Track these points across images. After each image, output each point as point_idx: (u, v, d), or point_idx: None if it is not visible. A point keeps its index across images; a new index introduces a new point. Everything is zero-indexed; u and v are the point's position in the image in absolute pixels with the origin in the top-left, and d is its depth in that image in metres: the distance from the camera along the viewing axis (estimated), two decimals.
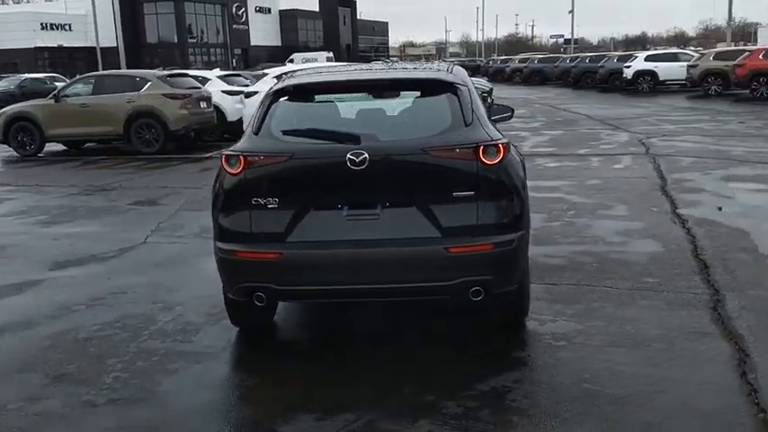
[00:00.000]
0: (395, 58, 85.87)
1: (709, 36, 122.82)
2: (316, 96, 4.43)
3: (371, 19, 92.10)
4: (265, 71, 17.00)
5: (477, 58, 78.63)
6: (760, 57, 22.43)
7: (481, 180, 3.96)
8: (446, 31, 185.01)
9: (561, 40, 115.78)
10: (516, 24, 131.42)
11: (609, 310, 4.79)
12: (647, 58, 29.31)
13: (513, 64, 43.67)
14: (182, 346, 4.54)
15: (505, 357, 4.19)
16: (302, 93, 4.40)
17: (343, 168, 3.91)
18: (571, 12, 53.76)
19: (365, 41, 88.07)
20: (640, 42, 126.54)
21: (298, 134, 4.19)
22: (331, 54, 58.35)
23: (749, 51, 23.56)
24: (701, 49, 37.72)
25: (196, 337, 4.69)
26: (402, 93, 4.41)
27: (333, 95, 4.44)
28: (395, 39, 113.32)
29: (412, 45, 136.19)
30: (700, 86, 25.48)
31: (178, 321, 4.99)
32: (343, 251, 3.94)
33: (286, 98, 4.33)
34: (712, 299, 4.91)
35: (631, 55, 31.62)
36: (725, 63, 24.69)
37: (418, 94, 4.34)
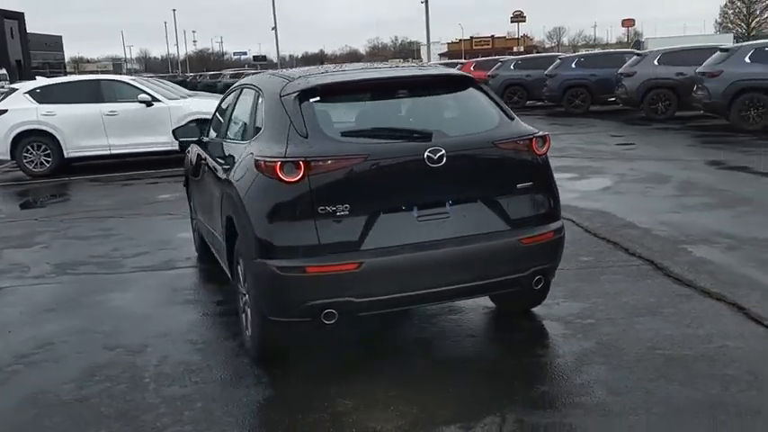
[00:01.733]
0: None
1: (377, 54, 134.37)
2: (349, 96, 4.16)
3: (44, 33, 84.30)
4: (14, 86, 14.79)
5: (180, 73, 76.55)
6: (471, 69, 25.22)
7: (535, 170, 4.09)
8: (125, 47, 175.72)
9: (245, 57, 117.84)
10: (195, 41, 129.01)
11: (588, 288, 5.18)
12: None
13: (224, 79, 43.04)
14: (216, 389, 3.93)
15: (556, 342, 4.33)
16: (334, 93, 4.10)
17: (421, 166, 3.76)
18: (274, 29, 54.68)
19: (38, 57, 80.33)
20: (319, 60, 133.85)
21: (360, 135, 3.91)
22: (4, 71, 52.37)
23: (461, 63, 26.36)
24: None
25: (217, 375, 4.10)
26: (433, 89, 4.34)
27: (367, 94, 4.20)
28: (68, 54, 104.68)
29: (86, 61, 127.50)
30: None
31: (172, 363, 4.30)
32: (426, 253, 3.78)
33: (317, 99, 4.00)
34: (655, 268, 5.56)
35: None
36: None
37: (448, 90, 4.31)
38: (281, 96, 4.12)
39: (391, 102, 4.21)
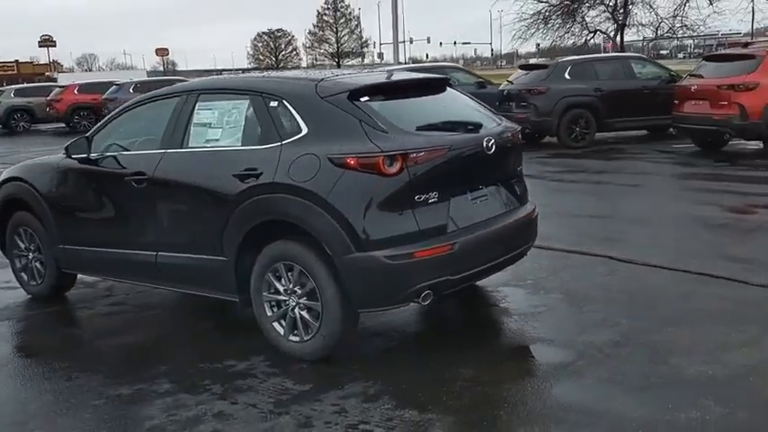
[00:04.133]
0: None
1: None
2: (387, 95, 4.38)
3: None
4: None
5: None
6: (75, 92, 23.63)
7: (521, 156, 4.94)
8: None
9: None
10: None
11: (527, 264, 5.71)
12: None
13: None
14: (316, 394, 3.87)
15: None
16: (377, 92, 4.31)
17: (481, 154, 4.33)
18: None
19: None
20: None
21: (430, 128, 4.24)
22: None
23: (63, 87, 24.40)
24: None
25: (301, 385, 4.00)
26: (438, 89, 4.81)
27: (402, 93, 4.49)
28: None
29: None
30: (6, 123, 24.90)
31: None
32: (492, 230, 4.34)
33: (367, 98, 4.23)
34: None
35: None
36: (28, 99, 24.91)
37: (445, 90, 4.84)
38: (323, 98, 4.20)
39: (422, 100, 4.57)
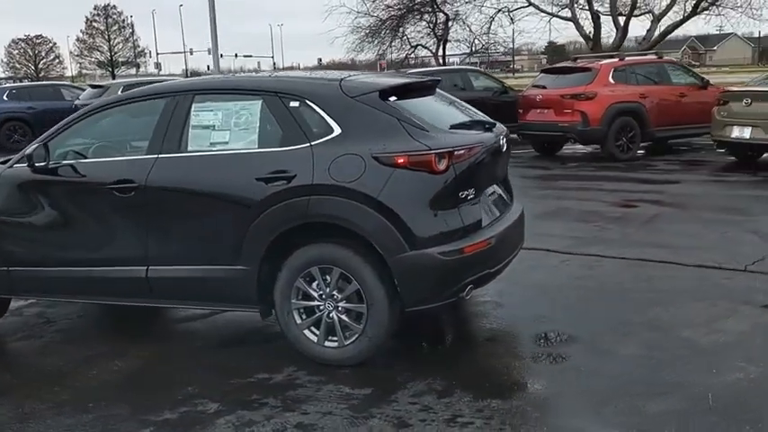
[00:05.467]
0: None
1: None
2: (407, 95, 4.37)
3: None
4: None
5: None
6: None
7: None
8: None
9: None
10: None
11: None
12: None
13: None
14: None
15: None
16: (401, 92, 4.32)
17: (497, 152, 4.53)
18: None
19: None
20: None
21: (459, 127, 4.32)
22: None
23: None
24: None
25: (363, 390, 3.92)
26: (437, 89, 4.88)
27: (417, 93, 4.50)
28: None
29: None
30: None
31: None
32: (510, 224, 4.52)
33: (395, 98, 4.24)
34: None
35: None
36: None
37: (436, 91, 4.94)
38: (352, 97, 4.14)
39: (430, 99, 4.61)
